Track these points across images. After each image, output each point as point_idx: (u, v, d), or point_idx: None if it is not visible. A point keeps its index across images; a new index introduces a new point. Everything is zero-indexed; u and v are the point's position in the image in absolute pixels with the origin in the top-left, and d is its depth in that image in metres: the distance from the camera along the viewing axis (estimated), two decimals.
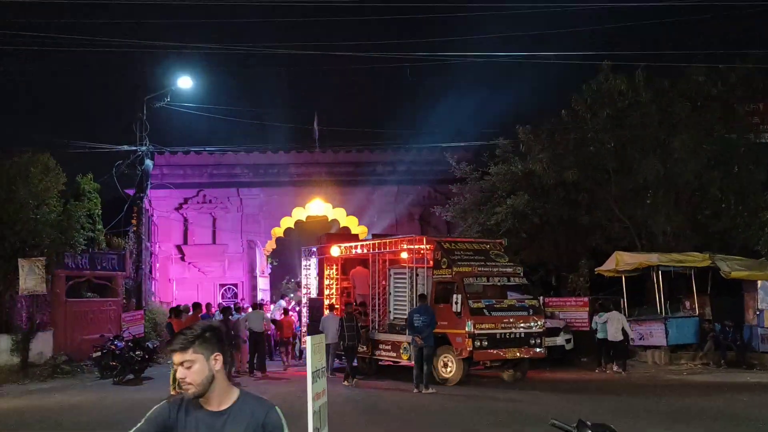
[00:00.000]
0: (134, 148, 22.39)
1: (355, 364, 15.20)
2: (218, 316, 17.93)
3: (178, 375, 2.71)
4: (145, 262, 22.58)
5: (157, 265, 25.40)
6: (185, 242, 26.60)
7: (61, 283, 18.55)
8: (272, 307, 22.45)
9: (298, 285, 23.98)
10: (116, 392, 14.31)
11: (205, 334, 2.72)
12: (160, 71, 26.63)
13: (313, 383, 4.41)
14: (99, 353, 16.37)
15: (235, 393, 2.78)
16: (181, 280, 26.27)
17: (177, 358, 2.70)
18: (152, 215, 25.29)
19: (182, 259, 26.47)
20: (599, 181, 19.54)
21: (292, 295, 26.93)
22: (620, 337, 15.83)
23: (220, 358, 2.73)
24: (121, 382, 15.50)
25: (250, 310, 19.75)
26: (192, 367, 2.69)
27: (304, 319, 18.76)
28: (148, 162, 22.76)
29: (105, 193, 21.67)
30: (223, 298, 26.37)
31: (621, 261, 17.39)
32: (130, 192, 22.95)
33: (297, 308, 21.71)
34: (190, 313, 15.98)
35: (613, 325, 15.92)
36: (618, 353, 15.98)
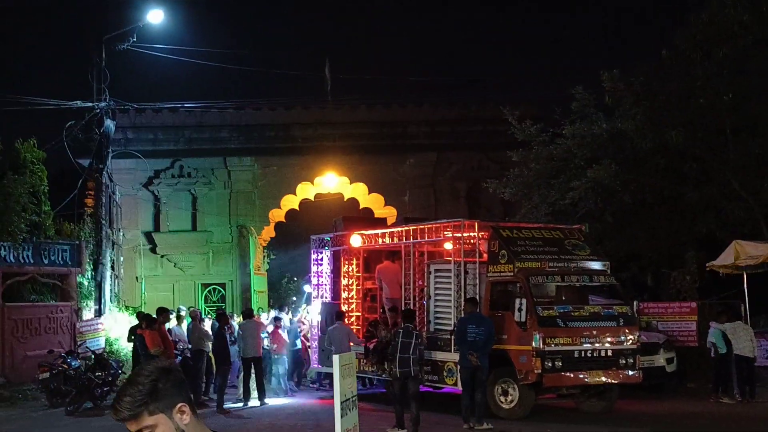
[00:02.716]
0: (90, 104, 22.52)
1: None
2: (212, 327, 18.09)
3: None
4: (106, 255, 22.80)
5: (121, 258, 25.66)
6: (157, 229, 26.81)
7: None
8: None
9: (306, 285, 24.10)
10: (70, 425, 14.48)
11: (158, 385, 2.68)
12: (123, 2, 26.72)
13: (342, 417, 4.36)
14: (47, 374, 16.58)
15: None
16: (151, 279, 26.52)
17: (132, 427, 2.68)
18: (114, 193, 25.50)
19: (153, 250, 26.70)
20: (712, 146, 19.38)
21: (294, 298, 27.11)
22: (752, 354, 15.86)
23: (186, 408, 2.71)
24: (76, 413, 15.69)
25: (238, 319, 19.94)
26: None
27: (315, 332, 18.83)
28: (109, 123, 22.90)
29: (52, 165, 21.88)
30: (206, 302, 26.59)
31: (742, 253, 17.22)
32: (85, 163, 23.14)
33: (303, 317, 21.80)
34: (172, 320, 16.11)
35: (743, 337, 15.92)
36: (743, 376, 15.96)
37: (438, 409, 15.13)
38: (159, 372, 2.71)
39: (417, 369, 13.25)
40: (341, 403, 4.20)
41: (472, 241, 15.25)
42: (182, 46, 25.47)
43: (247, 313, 18.45)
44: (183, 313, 18.91)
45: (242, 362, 17.41)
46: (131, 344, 17.59)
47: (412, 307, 15.99)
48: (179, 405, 2.69)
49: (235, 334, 17.75)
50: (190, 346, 17.60)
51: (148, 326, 15.46)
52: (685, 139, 18.79)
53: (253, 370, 17.13)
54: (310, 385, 19.96)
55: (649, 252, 21.02)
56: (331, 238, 18.77)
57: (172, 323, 19.38)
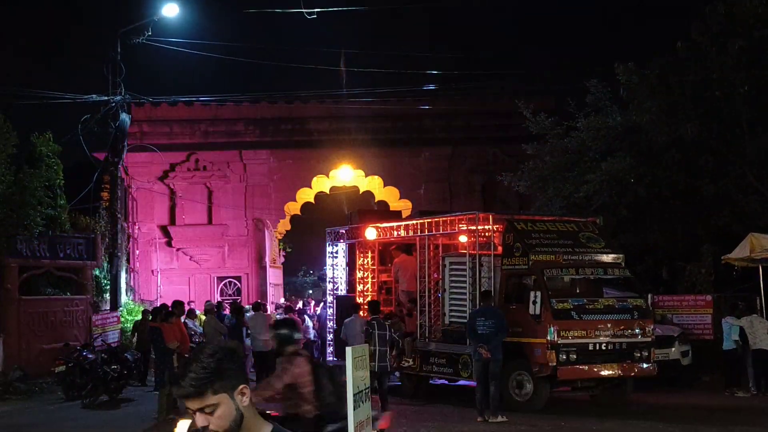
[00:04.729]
0: (105, 98, 22.60)
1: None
2: (229, 321, 18.15)
3: (198, 423, 2.70)
4: (122, 249, 22.89)
5: (137, 252, 25.77)
6: (172, 222, 26.90)
7: (12, 276, 18.89)
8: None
9: (321, 279, 24.15)
10: (86, 418, 14.56)
11: (223, 365, 2.70)
12: None
13: (354, 409, 4.36)
14: (63, 367, 16.66)
15: (267, 429, 2.77)
16: (167, 272, 26.62)
17: (194, 405, 2.69)
18: (129, 186, 25.61)
19: (169, 244, 26.79)
20: (728, 139, 19.24)
21: (311, 291, 27.15)
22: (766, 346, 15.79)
23: (247, 390, 2.74)
24: (92, 405, 15.77)
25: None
26: (216, 412, 2.68)
27: (330, 325, 18.86)
28: (124, 116, 22.96)
29: (68, 158, 21.97)
30: (222, 295, 26.68)
31: (757, 246, 17.09)
32: (101, 156, 23.23)
33: (312, 310, 21.88)
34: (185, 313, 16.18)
35: (760, 330, 15.90)
36: (760, 370, 15.91)
37: (453, 402, 15.14)
38: (224, 352, 2.73)
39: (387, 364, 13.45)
40: (354, 395, 4.20)
41: (486, 233, 15.22)
42: (197, 40, 25.53)
43: (256, 307, 18.45)
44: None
45: (253, 356, 17.45)
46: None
47: (427, 300, 16.02)
48: (241, 386, 2.72)
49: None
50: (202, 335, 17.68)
51: (164, 320, 15.48)
52: (700, 132, 18.69)
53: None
54: None
55: (664, 245, 20.93)
56: (346, 230, 18.79)
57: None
